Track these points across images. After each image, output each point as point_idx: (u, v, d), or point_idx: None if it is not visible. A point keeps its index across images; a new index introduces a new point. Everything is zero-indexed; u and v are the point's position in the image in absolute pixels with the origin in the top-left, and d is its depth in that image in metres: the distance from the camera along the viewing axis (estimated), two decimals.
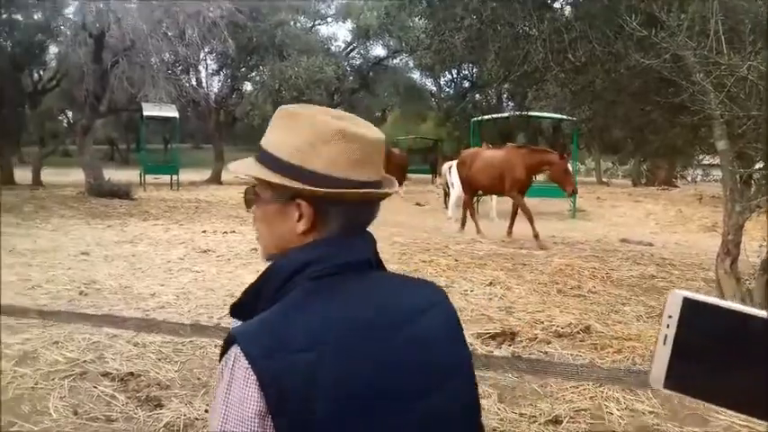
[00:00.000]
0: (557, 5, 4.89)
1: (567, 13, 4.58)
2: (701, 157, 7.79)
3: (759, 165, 4.80)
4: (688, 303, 0.63)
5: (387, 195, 1.09)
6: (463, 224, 11.89)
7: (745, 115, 3.80)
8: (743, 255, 4.68)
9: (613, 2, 4.33)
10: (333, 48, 30.96)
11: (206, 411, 3.76)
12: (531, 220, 10.25)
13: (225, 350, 0.95)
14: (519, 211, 10.82)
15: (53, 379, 4.20)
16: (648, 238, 11.18)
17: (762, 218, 4.45)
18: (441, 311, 1.12)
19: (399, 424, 0.97)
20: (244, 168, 1.06)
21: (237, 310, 1.05)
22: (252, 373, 0.90)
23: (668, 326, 0.63)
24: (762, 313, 0.61)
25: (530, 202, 15.96)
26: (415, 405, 0.99)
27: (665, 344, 0.63)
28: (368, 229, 1.10)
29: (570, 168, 9.92)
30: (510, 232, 10.84)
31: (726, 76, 3.66)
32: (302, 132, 1.01)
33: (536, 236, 10.00)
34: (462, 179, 11.89)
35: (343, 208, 1.02)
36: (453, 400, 1.06)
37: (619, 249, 9.73)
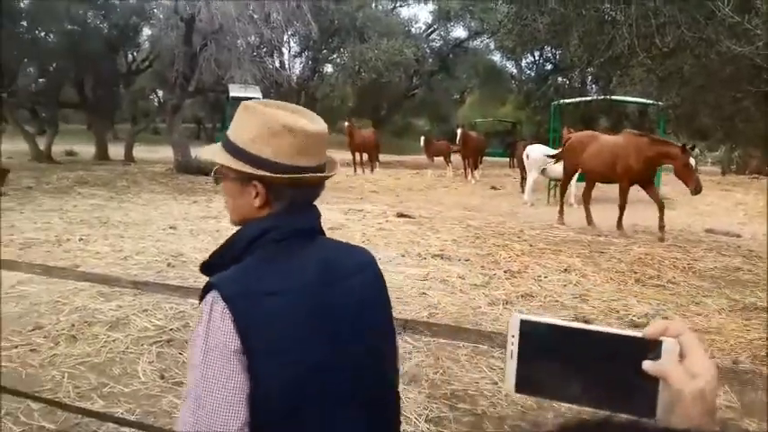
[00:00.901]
0: None
1: None
2: None
3: None
4: (525, 323, 0.75)
5: (326, 178, 1.32)
6: (588, 220, 10.76)
7: None
8: None
9: None
10: (413, 30, 30.85)
11: None
12: (622, 210, 9.87)
13: (204, 295, 1.18)
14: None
15: (142, 344, 4.50)
16: (736, 228, 10.67)
17: None
18: (372, 272, 1.39)
19: (328, 360, 1.20)
20: (210, 155, 1.30)
21: (206, 268, 1.29)
22: (228, 311, 1.12)
23: (512, 343, 0.75)
24: (580, 326, 0.73)
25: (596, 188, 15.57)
26: (343, 347, 1.23)
27: (512, 358, 0.75)
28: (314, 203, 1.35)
29: (693, 163, 8.95)
30: (620, 224, 10.01)
31: None
32: (256, 126, 1.25)
33: (619, 225, 9.75)
34: (570, 164, 11.07)
35: (291, 188, 1.26)
36: (375, 356, 1.32)
37: (703, 240, 9.36)
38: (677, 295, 6.26)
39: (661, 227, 9.29)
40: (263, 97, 23.16)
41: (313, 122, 1.28)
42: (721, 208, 13.96)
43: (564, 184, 11.56)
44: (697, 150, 8.85)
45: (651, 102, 14.02)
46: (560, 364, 0.73)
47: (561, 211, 11.15)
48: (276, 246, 1.24)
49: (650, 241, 9.15)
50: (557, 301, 5.90)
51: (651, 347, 0.70)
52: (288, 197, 1.26)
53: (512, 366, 0.75)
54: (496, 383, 4.05)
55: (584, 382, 0.71)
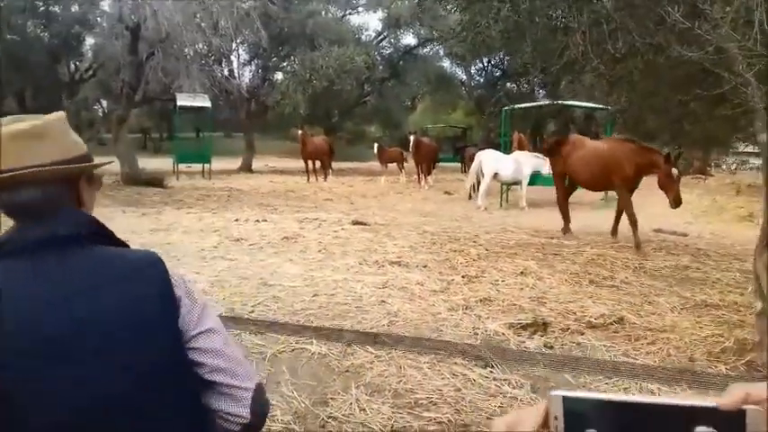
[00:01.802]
0: None
1: (606, 4, 4.50)
2: (736, 145, 7.61)
3: None
4: (569, 401, 0.64)
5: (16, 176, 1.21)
6: (566, 225, 10.35)
7: None
8: None
9: None
10: (363, 37, 30.92)
11: None
12: (634, 225, 9.00)
13: None
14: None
15: None
16: (682, 227, 11.00)
17: None
18: (118, 292, 1.21)
19: (43, 385, 1.12)
20: None
21: None
22: None
23: (556, 427, 0.64)
24: (637, 399, 0.63)
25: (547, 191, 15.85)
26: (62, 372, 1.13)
27: None
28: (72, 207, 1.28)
29: (675, 173, 8.35)
30: (615, 232, 9.58)
31: None
32: None
33: (637, 244, 8.82)
34: (556, 171, 10.46)
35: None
36: (96, 387, 1.15)
37: (652, 239, 9.61)
38: (631, 295, 6.39)
39: (636, 241, 8.89)
40: (213, 106, 22.88)
41: (8, 127, 1.22)
42: (667, 208, 14.35)
43: (558, 190, 10.61)
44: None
45: (601, 106, 14.35)
46: None
47: (565, 220, 10.40)
48: None
49: (601, 242, 9.34)
50: (515, 304, 5.94)
51: (730, 419, 0.59)
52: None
53: None
54: (460, 390, 4.04)
55: None
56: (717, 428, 0.59)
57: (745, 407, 0.58)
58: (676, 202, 8.47)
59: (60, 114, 1.32)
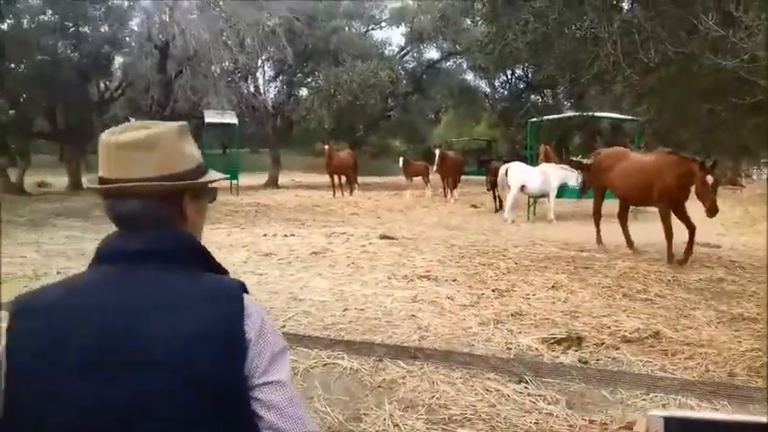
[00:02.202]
0: (625, 5, 4.76)
1: (637, 13, 4.46)
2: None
3: None
4: (669, 424, 0.62)
5: (103, 190, 1.24)
6: (599, 238, 10.26)
7: None
8: None
9: (687, 1, 4.21)
10: (387, 52, 31.07)
11: None
12: (669, 238, 8.85)
13: None
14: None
15: None
16: (715, 239, 10.79)
17: None
18: (187, 319, 1.14)
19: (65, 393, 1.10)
20: None
21: None
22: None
23: None
24: (739, 418, 0.62)
25: (587, 204, 15.67)
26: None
27: None
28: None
29: (711, 181, 8.01)
30: (670, 256, 8.87)
31: None
32: None
33: (670, 258, 8.67)
34: (598, 184, 10.31)
35: (104, 202, 1.26)
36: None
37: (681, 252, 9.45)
38: (665, 308, 6.28)
39: (688, 250, 8.68)
40: (239, 122, 23.14)
41: (112, 135, 1.24)
42: (699, 219, 14.12)
43: (595, 204, 10.56)
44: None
45: (630, 117, 14.20)
46: None
47: (598, 233, 10.32)
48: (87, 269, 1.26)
49: (632, 255, 9.21)
50: (547, 318, 5.87)
51: None
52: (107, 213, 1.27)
53: None
54: (494, 405, 3.99)
55: None
56: None
57: None
58: (711, 212, 8.14)
59: (179, 125, 1.30)
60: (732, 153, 7.83)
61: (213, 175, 1.36)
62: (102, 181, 1.24)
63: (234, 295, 1.20)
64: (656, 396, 4.13)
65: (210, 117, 21.13)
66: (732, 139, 6.48)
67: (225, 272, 1.30)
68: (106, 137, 1.23)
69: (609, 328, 5.52)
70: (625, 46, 4.66)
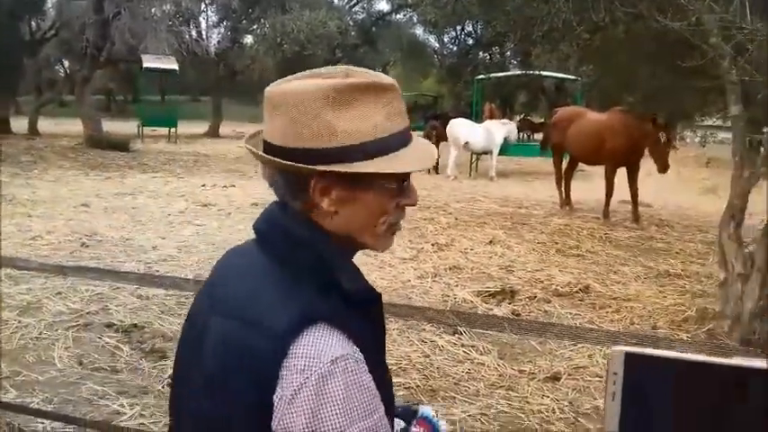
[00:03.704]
0: None
1: None
2: (704, 118, 7.67)
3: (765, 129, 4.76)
4: (630, 359, 0.63)
5: (256, 155, 1.03)
6: (566, 201, 10.03)
7: (763, 81, 3.75)
8: (747, 220, 4.69)
9: None
10: (336, 1, 30.38)
11: None
12: (609, 197, 9.03)
13: None
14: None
15: (57, 329, 4.24)
16: (648, 198, 11.17)
17: (764, 185, 4.45)
18: (227, 336, 0.97)
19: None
20: None
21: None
22: None
23: (614, 383, 0.63)
24: (699, 358, 0.62)
25: (530, 162, 15.87)
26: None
27: (613, 400, 0.63)
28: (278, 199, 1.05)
29: (663, 138, 8.06)
30: (606, 212, 9.10)
31: (747, 41, 3.59)
32: None
33: (605, 214, 8.93)
34: (555, 144, 10.21)
35: None
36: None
37: (618, 210, 9.72)
38: (596, 264, 6.49)
39: (635, 212, 8.90)
40: (180, 68, 22.33)
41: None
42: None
43: (555, 165, 10.39)
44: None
45: (575, 77, 14.37)
46: (676, 404, 0.61)
47: (561, 194, 10.12)
48: None
49: (567, 212, 9.45)
50: (483, 272, 5.99)
51: None
52: None
53: (614, 409, 0.63)
54: (428, 356, 4.07)
55: (705, 425, 0.61)
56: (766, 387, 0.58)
57: None
58: (662, 167, 8.35)
59: (329, 86, 0.95)
60: (671, 116, 8.00)
61: (377, 164, 0.99)
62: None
63: (285, 329, 0.90)
64: (582, 347, 4.29)
65: (149, 62, 20.30)
66: (671, 102, 6.64)
67: (351, 294, 0.97)
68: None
69: (542, 282, 5.68)
70: (576, 4, 4.67)
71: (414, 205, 1.06)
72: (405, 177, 1.03)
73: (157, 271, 5.64)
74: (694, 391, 0.61)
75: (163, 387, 3.54)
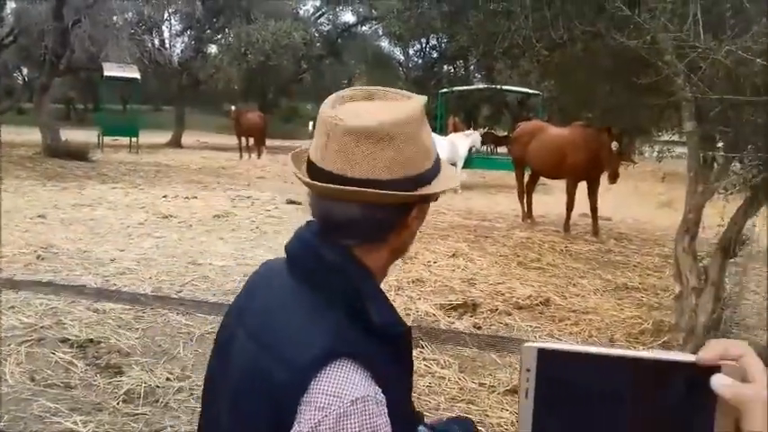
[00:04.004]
0: None
1: None
2: (660, 134, 7.87)
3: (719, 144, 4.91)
4: (543, 355, 0.62)
5: (308, 185, 1.00)
6: (528, 214, 10.09)
7: (716, 98, 3.87)
8: (701, 234, 4.82)
9: None
10: (301, 12, 30.40)
11: (167, 379, 3.74)
12: (569, 210, 9.12)
13: None
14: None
15: (9, 344, 4.12)
16: (607, 212, 11.38)
17: (720, 200, 4.58)
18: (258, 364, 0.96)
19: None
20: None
21: None
22: None
23: (527, 380, 0.62)
24: (614, 352, 0.61)
25: (493, 175, 16.06)
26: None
27: (527, 398, 0.62)
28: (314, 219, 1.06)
29: (615, 147, 8.22)
30: (567, 226, 9.19)
31: (701, 60, 3.71)
32: None
33: (566, 228, 9.04)
34: (517, 156, 10.19)
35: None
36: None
37: (578, 223, 9.89)
38: (556, 277, 6.58)
39: (595, 225, 9.02)
40: (142, 77, 22.03)
41: (358, 112, 0.98)
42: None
43: (517, 178, 10.35)
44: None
45: (536, 92, 14.61)
46: (590, 400, 0.61)
47: (523, 207, 10.12)
48: None
49: (530, 226, 9.57)
50: (446, 285, 6.02)
51: (707, 374, 0.58)
52: None
53: (528, 409, 0.61)
54: None
55: (621, 421, 0.60)
56: (693, 382, 0.58)
57: (721, 362, 0.58)
58: (613, 178, 8.52)
59: (422, 104, 0.99)
60: (628, 131, 8.19)
61: (449, 176, 1.06)
62: (313, 169, 0.98)
63: (308, 364, 0.87)
64: None
65: (110, 70, 19.98)
66: (629, 118, 6.81)
67: (379, 327, 0.95)
68: (327, 112, 0.98)
69: (503, 295, 5.73)
70: (536, 21, 4.76)
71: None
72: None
73: (115, 285, 5.53)
74: (609, 386, 0.60)
75: (118, 404, 3.46)
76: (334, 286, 0.96)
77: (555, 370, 0.61)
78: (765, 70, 3.53)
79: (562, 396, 0.61)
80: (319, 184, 0.95)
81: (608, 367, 0.60)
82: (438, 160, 1.02)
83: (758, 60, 3.49)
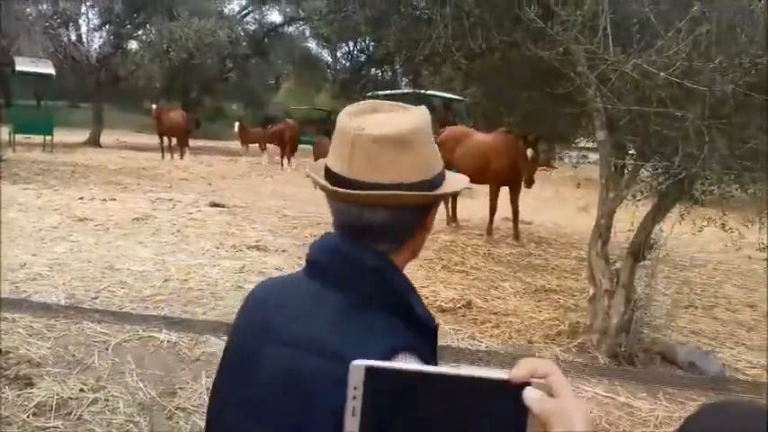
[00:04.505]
0: None
1: None
2: (578, 141, 8.22)
3: (631, 151, 5.17)
4: (370, 372, 0.64)
5: (325, 190, 1.05)
6: (452, 218, 10.26)
7: (625, 109, 4.07)
8: (613, 238, 5.04)
9: None
10: (226, 11, 29.84)
11: (81, 391, 3.60)
12: (492, 214, 9.40)
13: None
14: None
15: None
16: (528, 216, 11.73)
17: (630, 205, 4.81)
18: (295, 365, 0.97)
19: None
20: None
21: None
22: None
23: (354, 397, 0.63)
24: (435, 369, 0.65)
25: None
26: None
27: (354, 415, 0.63)
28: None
29: (530, 154, 8.50)
30: (489, 230, 9.44)
31: (611, 71, 3.89)
32: None
33: (489, 231, 9.35)
34: (444, 161, 10.26)
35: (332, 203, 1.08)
36: None
37: (500, 227, 10.15)
38: (479, 280, 6.74)
39: (516, 229, 9.28)
40: (57, 72, 21.06)
41: (344, 115, 1.05)
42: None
43: None
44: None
45: (461, 98, 14.90)
46: (414, 417, 0.64)
47: (448, 211, 10.30)
48: None
49: (454, 229, 9.75)
50: None
51: (519, 390, 0.63)
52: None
53: (354, 425, 0.62)
54: None
55: None
56: (505, 398, 0.63)
57: (531, 379, 0.64)
58: (528, 183, 8.79)
59: (425, 115, 1.06)
60: (547, 138, 8.49)
61: (456, 178, 1.13)
62: (336, 178, 1.02)
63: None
64: (463, 365, 4.43)
65: (22, 65, 19.01)
66: (547, 125, 7.07)
67: (421, 320, 1.01)
68: (349, 123, 1.01)
69: (428, 298, 5.81)
70: (455, 30, 4.87)
71: None
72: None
73: (26, 291, 5.27)
74: (431, 403, 0.63)
75: (28, 416, 3.30)
76: (373, 287, 1.00)
77: (382, 387, 0.63)
78: (669, 83, 3.75)
79: (388, 413, 0.64)
80: (353, 191, 1.00)
81: (430, 385, 0.64)
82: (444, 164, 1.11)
83: (662, 74, 3.70)
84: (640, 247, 4.86)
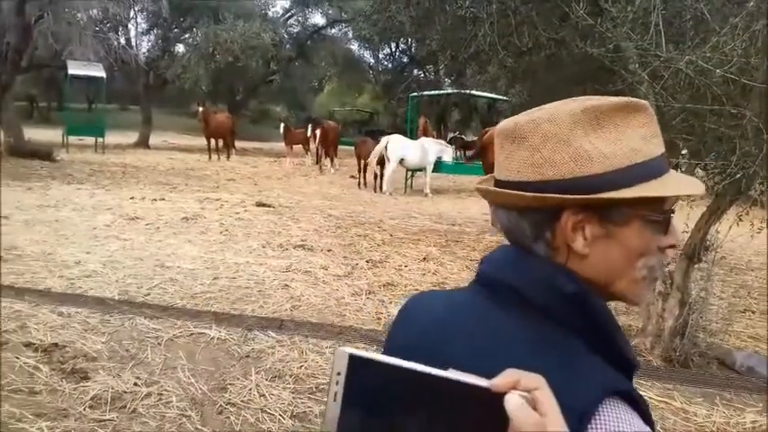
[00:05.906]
0: None
1: None
2: None
3: (684, 151, 5.03)
4: (353, 360, 0.63)
5: (492, 194, 0.91)
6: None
7: (679, 107, 3.96)
8: None
9: None
10: (270, 13, 30.20)
11: (135, 384, 3.68)
12: None
13: None
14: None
15: None
16: None
17: (685, 206, 4.68)
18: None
19: None
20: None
21: None
22: None
23: (337, 383, 0.63)
24: (419, 367, 0.63)
25: (463, 179, 16.15)
26: None
27: (335, 400, 0.63)
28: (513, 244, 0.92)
29: None
30: None
31: (663, 68, 3.79)
32: None
33: None
34: (487, 163, 10.15)
35: None
36: None
37: None
38: None
39: None
40: (107, 76, 21.64)
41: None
42: None
43: None
44: None
45: (504, 98, 14.76)
46: (392, 409, 0.63)
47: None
48: None
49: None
50: (416, 289, 6.03)
51: (497, 400, 0.61)
52: None
53: (335, 410, 0.63)
54: None
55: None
56: (484, 406, 0.61)
57: (512, 391, 0.61)
58: None
59: (568, 110, 0.85)
60: None
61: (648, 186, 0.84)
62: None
63: (582, 404, 0.73)
64: None
65: (75, 68, 19.61)
66: None
67: (623, 360, 0.83)
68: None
69: None
70: (501, 28, 4.82)
71: (676, 246, 0.90)
72: (670, 211, 0.87)
73: (80, 288, 5.42)
74: (411, 399, 0.63)
75: (84, 409, 3.39)
76: (576, 318, 0.83)
77: (364, 377, 0.63)
78: (725, 80, 3.64)
79: (368, 403, 0.63)
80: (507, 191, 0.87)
81: (412, 381, 0.63)
82: (629, 171, 0.85)
83: (717, 71, 3.59)
84: (695, 249, 4.72)
